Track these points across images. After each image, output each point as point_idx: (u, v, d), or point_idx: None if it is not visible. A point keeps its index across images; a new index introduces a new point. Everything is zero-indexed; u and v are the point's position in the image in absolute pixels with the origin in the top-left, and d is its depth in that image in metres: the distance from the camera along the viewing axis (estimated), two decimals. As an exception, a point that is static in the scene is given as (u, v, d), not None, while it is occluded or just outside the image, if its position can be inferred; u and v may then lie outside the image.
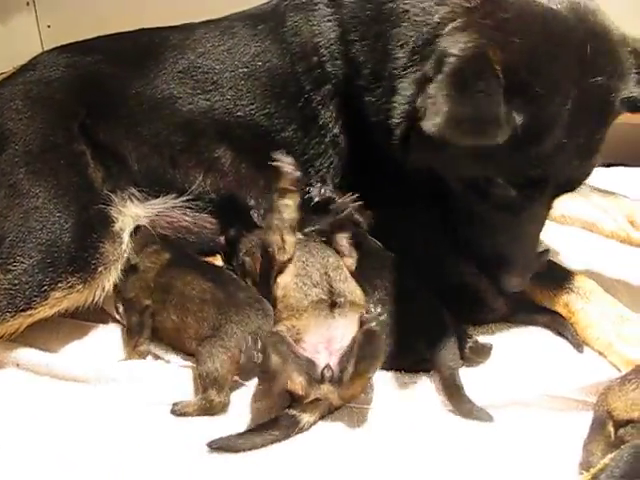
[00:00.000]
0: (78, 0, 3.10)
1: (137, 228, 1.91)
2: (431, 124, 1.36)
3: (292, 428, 1.47)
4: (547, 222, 2.14)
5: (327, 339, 1.53)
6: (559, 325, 1.75)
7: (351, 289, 1.66)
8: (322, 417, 1.52)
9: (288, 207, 1.70)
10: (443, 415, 1.53)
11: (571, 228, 2.26)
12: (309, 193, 1.88)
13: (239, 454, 1.44)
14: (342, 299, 1.60)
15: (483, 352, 1.66)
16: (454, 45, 1.47)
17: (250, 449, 1.44)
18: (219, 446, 1.43)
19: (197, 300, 1.66)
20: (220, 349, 1.53)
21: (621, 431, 1.36)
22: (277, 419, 1.49)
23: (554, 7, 1.51)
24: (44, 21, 3.19)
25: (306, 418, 1.49)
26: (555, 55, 1.47)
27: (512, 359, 1.68)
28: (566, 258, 1.99)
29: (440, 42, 1.54)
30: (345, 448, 1.46)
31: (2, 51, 2.90)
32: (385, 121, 1.74)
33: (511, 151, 1.45)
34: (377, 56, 1.79)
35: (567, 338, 1.73)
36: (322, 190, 1.88)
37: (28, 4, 3.14)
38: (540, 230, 1.69)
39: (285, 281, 1.67)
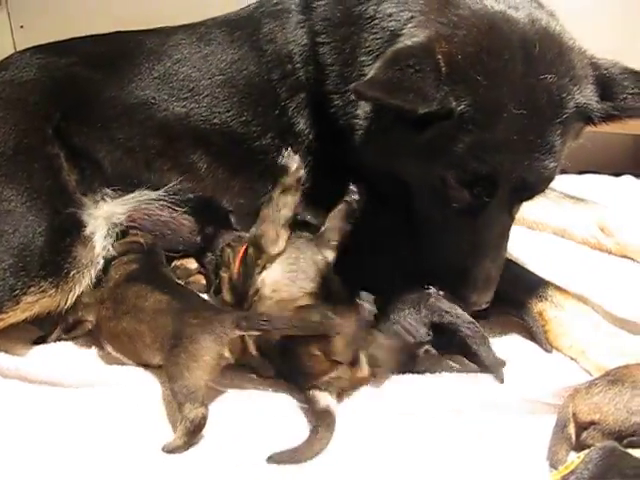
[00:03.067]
0: (51, 1, 3.06)
1: (124, 232, 1.91)
2: (353, 84, 1.45)
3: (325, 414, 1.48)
4: (519, 228, 2.24)
5: None
6: (529, 321, 1.77)
7: (336, 285, 1.68)
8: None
9: (287, 204, 1.72)
10: (418, 417, 1.54)
11: (542, 234, 2.30)
12: None
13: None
14: (334, 296, 1.63)
15: (436, 361, 1.66)
16: (408, 40, 1.55)
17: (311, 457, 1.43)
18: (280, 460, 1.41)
19: (150, 311, 1.64)
20: (190, 363, 1.50)
21: (584, 434, 1.39)
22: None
23: (506, 9, 1.58)
24: (17, 21, 3.15)
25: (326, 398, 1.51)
26: (498, 49, 1.50)
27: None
28: (538, 264, 1.99)
29: (398, 42, 1.59)
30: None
31: (-27, 51, 2.86)
32: (351, 125, 1.77)
33: (455, 140, 1.50)
34: (344, 59, 1.81)
35: (536, 338, 1.76)
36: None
37: (0, 4, 3.11)
38: (502, 244, 1.67)
39: (274, 278, 1.66)
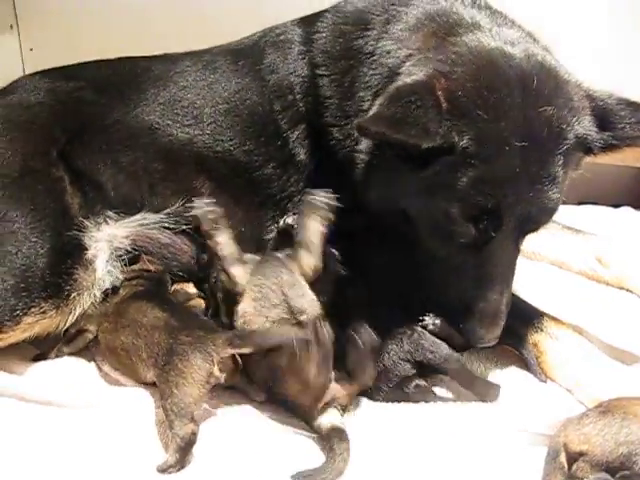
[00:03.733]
0: (61, 24, 3.10)
1: (135, 258, 1.94)
2: (357, 121, 1.47)
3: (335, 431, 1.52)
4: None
5: None
6: (524, 352, 1.78)
7: (309, 302, 1.67)
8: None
9: (223, 244, 1.73)
10: (412, 448, 1.55)
11: (540, 264, 2.30)
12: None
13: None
14: (305, 316, 1.62)
15: (426, 393, 1.67)
16: (407, 78, 1.58)
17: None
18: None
19: (149, 326, 1.66)
20: (181, 380, 1.52)
21: (574, 467, 1.40)
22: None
23: (503, 45, 1.61)
24: (27, 44, 3.18)
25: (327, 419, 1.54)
26: (497, 83, 1.53)
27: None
28: (535, 295, 2.00)
29: (398, 80, 1.62)
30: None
31: (-16, 72, 2.91)
32: (351, 158, 1.79)
33: (458, 175, 1.51)
34: (343, 92, 1.84)
35: (530, 369, 1.77)
36: (285, 220, 1.93)
37: (12, 27, 3.15)
38: (510, 276, 1.67)
39: (244, 309, 1.67)
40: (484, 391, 1.65)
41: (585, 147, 1.61)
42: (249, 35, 2.17)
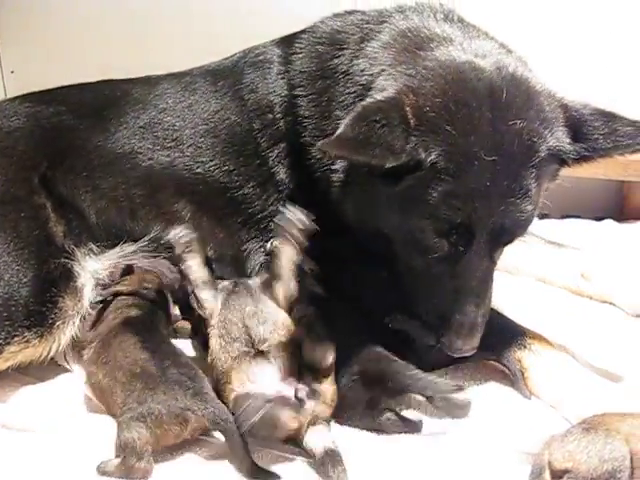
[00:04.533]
0: (42, 47, 3.12)
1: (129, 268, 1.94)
2: (319, 143, 1.48)
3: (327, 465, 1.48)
4: (499, 273, 2.25)
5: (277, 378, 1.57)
6: (511, 368, 1.78)
7: (271, 329, 1.64)
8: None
9: (192, 268, 1.72)
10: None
11: (523, 280, 2.31)
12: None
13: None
14: (266, 344, 1.61)
15: (459, 407, 1.64)
16: (377, 94, 1.59)
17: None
18: None
19: (127, 372, 1.61)
20: (141, 424, 1.49)
21: None
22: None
23: (473, 58, 1.61)
24: (8, 67, 3.20)
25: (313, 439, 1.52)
26: (465, 97, 1.52)
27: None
28: (518, 310, 2.01)
29: (368, 96, 1.63)
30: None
31: (-35, 95, 2.92)
32: (328, 177, 1.80)
33: (429, 190, 1.51)
34: (321, 112, 1.85)
35: (515, 385, 1.76)
36: (273, 242, 1.88)
37: (-7, 50, 3.17)
38: (486, 288, 1.66)
39: (212, 345, 1.67)
40: (453, 408, 1.65)
41: (558, 159, 1.60)
42: (229, 56, 2.19)
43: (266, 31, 2.14)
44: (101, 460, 1.50)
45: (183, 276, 1.76)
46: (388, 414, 1.61)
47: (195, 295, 1.72)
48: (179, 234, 1.71)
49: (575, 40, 2.82)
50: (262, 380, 1.57)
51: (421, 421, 1.62)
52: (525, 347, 1.78)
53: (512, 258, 2.32)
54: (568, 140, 1.59)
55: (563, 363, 1.76)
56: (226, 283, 1.82)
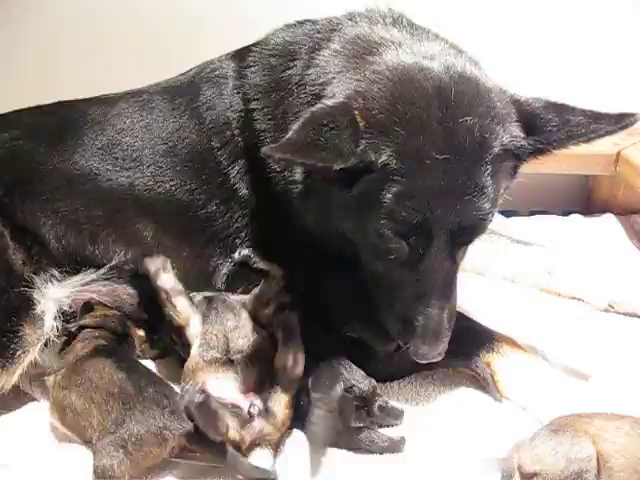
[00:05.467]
0: (27, 76, 3.08)
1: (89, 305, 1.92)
2: (264, 148, 1.47)
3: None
4: (468, 274, 2.27)
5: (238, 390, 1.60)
6: (480, 372, 1.79)
7: (252, 342, 1.71)
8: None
9: (167, 280, 1.80)
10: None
11: (492, 279, 2.32)
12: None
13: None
14: (239, 355, 1.65)
15: (393, 414, 1.66)
16: (327, 100, 1.59)
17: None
18: None
19: (104, 392, 1.62)
20: (120, 450, 1.48)
21: None
22: None
23: (421, 59, 1.61)
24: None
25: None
26: (413, 98, 1.52)
27: (436, 419, 1.72)
28: (487, 310, 2.02)
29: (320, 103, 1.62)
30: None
31: None
32: (289, 189, 1.80)
33: (383, 192, 1.51)
34: (277, 125, 1.84)
35: (486, 389, 1.78)
36: (240, 252, 1.97)
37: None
38: (450, 290, 1.64)
39: (192, 354, 1.71)
40: (389, 417, 1.67)
41: (513, 154, 1.59)
42: (185, 71, 2.17)
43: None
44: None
45: (156, 292, 1.80)
46: (367, 432, 1.61)
47: (170, 303, 1.78)
48: (152, 259, 1.80)
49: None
50: (223, 387, 1.59)
51: (403, 438, 1.62)
52: (493, 350, 1.79)
53: (480, 258, 2.33)
54: (522, 134, 1.58)
55: (532, 364, 1.78)
56: (200, 297, 1.86)
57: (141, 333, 1.97)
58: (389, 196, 1.51)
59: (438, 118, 1.50)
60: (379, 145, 1.49)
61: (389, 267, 1.63)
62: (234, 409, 1.54)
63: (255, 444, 1.54)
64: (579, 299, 2.20)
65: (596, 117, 1.57)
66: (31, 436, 1.74)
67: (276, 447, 1.59)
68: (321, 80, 1.71)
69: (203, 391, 1.51)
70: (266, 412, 1.56)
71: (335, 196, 1.63)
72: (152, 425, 1.51)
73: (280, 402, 1.57)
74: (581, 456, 1.39)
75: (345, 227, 1.69)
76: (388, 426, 1.67)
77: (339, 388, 1.60)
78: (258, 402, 1.56)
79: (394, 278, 1.64)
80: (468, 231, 1.59)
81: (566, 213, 2.80)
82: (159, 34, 2.89)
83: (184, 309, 1.78)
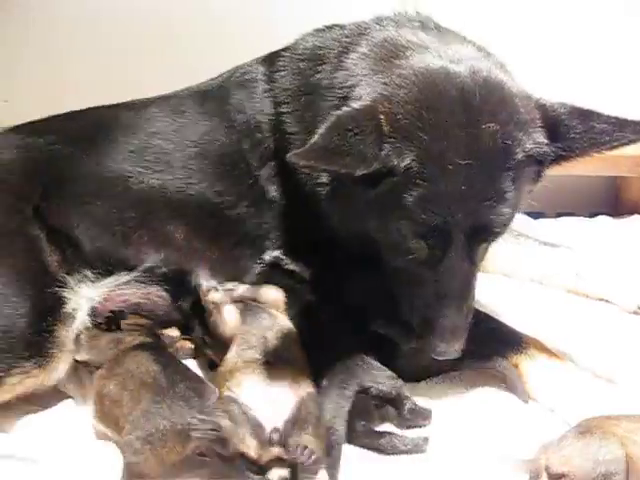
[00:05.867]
0: (35, 76, 3.15)
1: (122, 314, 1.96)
2: (288, 155, 1.47)
3: None
4: (495, 276, 2.28)
5: (269, 400, 1.56)
6: (508, 374, 1.80)
7: (286, 344, 1.72)
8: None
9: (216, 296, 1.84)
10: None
11: (519, 281, 2.33)
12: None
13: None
14: (273, 358, 1.66)
15: (422, 415, 1.67)
16: (354, 103, 1.60)
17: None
18: None
19: (138, 381, 1.65)
20: (146, 445, 1.50)
21: None
22: None
23: (447, 64, 1.62)
24: (1, 96, 3.23)
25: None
26: (437, 103, 1.54)
27: (463, 419, 1.72)
28: (514, 312, 2.03)
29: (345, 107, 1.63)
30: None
31: (-41, 125, 2.95)
32: (316, 191, 1.83)
33: (405, 194, 1.53)
34: (306, 128, 1.85)
35: (514, 390, 1.78)
36: (271, 254, 2.00)
37: (-15, 79, 3.20)
38: (467, 291, 1.66)
39: (230, 355, 1.71)
40: (418, 418, 1.67)
41: (536, 161, 1.59)
42: (215, 76, 2.21)
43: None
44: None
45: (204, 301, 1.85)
46: (389, 438, 1.61)
47: (216, 314, 1.81)
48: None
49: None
50: (255, 391, 1.58)
51: (427, 438, 1.62)
52: (521, 352, 1.79)
53: (507, 260, 2.35)
54: (545, 140, 1.58)
55: (560, 366, 1.78)
56: (243, 286, 1.91)
57: (174, 333, 2.00)
58: (410, 198, 1.53)
59: (461, 124, 1.51)
60: (402, 149, 1.51)
61: (410, 266, 1.65)
62: (256, 428, 1.49)
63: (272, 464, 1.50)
64: (607, 301, 2.21)
65: (621, 124, 1.57)
66: (63, 433, 1.77)
67: (295, 469, 1.52)
68: (349, 83, 1.73)
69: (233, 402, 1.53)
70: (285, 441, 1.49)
71: (359, 196, 1.65)
72: (177, 422, 1.52)
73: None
74: (609, 458, 1.38)
75: (368, 226, 1.71)
76: (415, 426, 1.68)
77: (351, 389, 1.61)
78: (280, 428, 1.49)
79: (414, 277, 1.66)
80: (487, 234, 1.62)
81: (593, 215, 2.80)
82: (164, 35, 2.96)
83: (231, 322, 1.80)
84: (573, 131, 1.58)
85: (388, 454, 1.60)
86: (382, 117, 1.53)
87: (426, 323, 1.65)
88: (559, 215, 2.86)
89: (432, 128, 1.51)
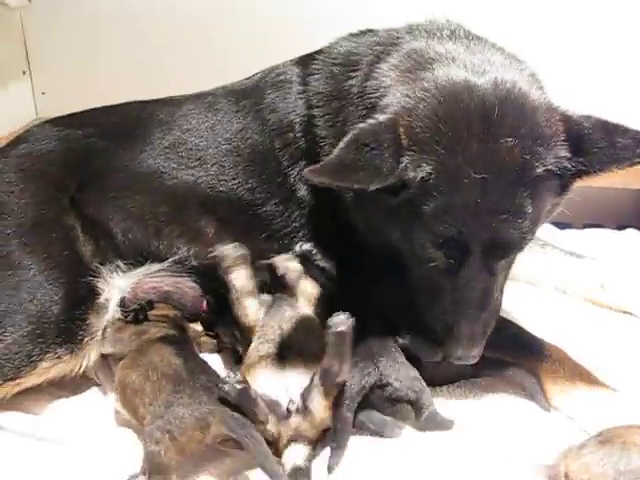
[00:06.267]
0: (71, 69, 3.22)
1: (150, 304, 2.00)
2: (306, 170, 1.51)
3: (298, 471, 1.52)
4: (519, 284, 2.29)
5: (283, 388, 1.63)
6: (528, 383, 1.81)
7: (304, 337, 1.75)
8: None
9: (239, 279, 1.84)
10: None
11: (543, 290, 2.33)
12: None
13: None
14: (290, 350, 1.70)
15: (443, 425, 1.69)
16: (379, 115, 1.62)
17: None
18: None
19: (160, 372, 1.68)
20: (167, 435, 1.53)
21: None
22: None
23: (470, 76, 1.62)
24: (39, 88, 3.31)
25: (288, 455, 1.55)
26: (455, 117, 1.54)
27: (482, 424, 1.74)
28: (537, 320, 2.03)
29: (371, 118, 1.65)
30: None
31: (-1, 116, 3.03)
32: (341, 194, 1.86)
33: (422, 206, 1.55)
34: (336, 132, 1.88)
35: (534, 397, 1.79)
36: (302, 246, 2.03)
37: (24, 72, 3.27)
38: (487, 302, 1.66)
39: (250, 349, 1.76)
40: (438, 425, 1.69)
41: (557, 174, 1.57)
42: (250, 76, 2.24)
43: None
44: (128, 475, 1.55)
45: (227, 288, 1.86)
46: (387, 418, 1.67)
47: (240, 303, 1.84)
48: (228, 249, 1.85)
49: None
50: (269, 383, 1.64)
51: (452, 421, 1.68)
52: (542, 359, 1.80)
53: (532, 269, 2.35)
54: (568, 155, 1.56)
55: (581, 374, 1.78)
56: (266, 297, 1.92)
57: (198, 328, 2.05)
58: (427, 210, 1.55)
59: (479, 138, 1.52)
60: (419, 162, 1.52)
61: (430, 275, 1.66)
62: (273, 405, 1.57)
63: (292, 440, 1.56)
64: (631, 313, 2.20)
65: None
66: (89, 418, 1.83)
67: (313, 445, 1.59)
68: (377, 93, 1.74)
69: (242, 381, 1.57)
70: (304, 410, 1.56)
71: (382, 205, 1.67)
72: (197, 409, 1.56)
73: (320, 402, 1.57)
74: (630, 468, 1.40)
75: (390, 234, 1.73)
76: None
77: (370, 380, 1.65)
78: (297, 399, 1.58)
79: (435, 285, 1.67)
80: (505, 247, 1.60)
81: (621, 227, 2.79)
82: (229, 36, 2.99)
83: (252, 310, 1.83)
84: (596, 146, 1.54)
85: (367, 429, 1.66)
86: (402, 130, 1.55)
87: (445, 329, 1.67)
88: (586, 226, 2.85)
89: (449, 141, 1.52)
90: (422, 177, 1.52)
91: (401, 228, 1.67)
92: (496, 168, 1.51)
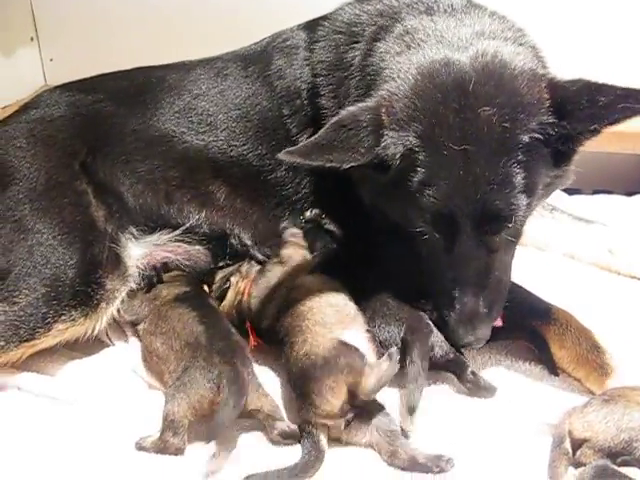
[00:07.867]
0: (80, 35, 3.21)
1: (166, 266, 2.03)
2: (283, 152, 1.55)
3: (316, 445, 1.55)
4: (528, 249, 2.29)
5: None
6: (538, 344, 1.83)
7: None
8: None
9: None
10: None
11: (551, 255, 2.34)
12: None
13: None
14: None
15: (486, 388, 1.71)
16: (369, 100, 1.63)
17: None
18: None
19: (183, 341, 1.73)
20: (182, 394, 1.59)
21: (578, 453, 1.46)
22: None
23: (450, 52, 1.62)
24: (47, 55, 3.30)
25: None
26: (432, 93, 1.55)
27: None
28: (546, 285, 2.04)
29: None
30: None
31: (7, 83, 3.04)
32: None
33: (407, 181, 1.56)
34: (338, 104, 1.89)
35: (542, 357, 1.82)
36: (312, 210, 2.06)
37: (32, 39, 3.26)
38: (484, 279, 1.63)
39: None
40: (480, 390, 1.71)
41: (543, 142, 1.53)
42: (258, 41, 2.23)
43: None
44: (140, 436, 1.61)
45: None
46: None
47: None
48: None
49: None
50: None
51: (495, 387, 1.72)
52: (550, 322, 1.81)
53: (541, 234, 2.36)
54: (553, 121, 1.52)
55: (588, 339, 1.79)
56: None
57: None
58: (413, 185, 1.56)
59: (455, 110, 1.52)
60: (400, 139, 1.54)
61: (428, 251, 1.67)
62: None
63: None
64: (639, 279, 2.21)
65: (626, 95, 1.45)
66: (103, 379, 1.87)
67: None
68: (374, 75, 1.75)
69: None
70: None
71: (375, 180, 1.68)
72: (209, 371, 1.61)
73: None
74: (632, 425, 1.42)
75: (388, 211, 1.75)
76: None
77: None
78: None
79: (433, 261, 1.68)
80: (495, 220, 1.56)
81: (630, 193, 2.78)
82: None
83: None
84: (578, 107, 1.50)
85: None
86: (383, 110, 1.57)
87: (447, 308, 1.65)
88: (595, 192, 2.84)
89: (426, 116, 1.54)
90: (402, 153, 1.54)
91: (396, 205, 1.68)
92: (476, 138, 1.50)
